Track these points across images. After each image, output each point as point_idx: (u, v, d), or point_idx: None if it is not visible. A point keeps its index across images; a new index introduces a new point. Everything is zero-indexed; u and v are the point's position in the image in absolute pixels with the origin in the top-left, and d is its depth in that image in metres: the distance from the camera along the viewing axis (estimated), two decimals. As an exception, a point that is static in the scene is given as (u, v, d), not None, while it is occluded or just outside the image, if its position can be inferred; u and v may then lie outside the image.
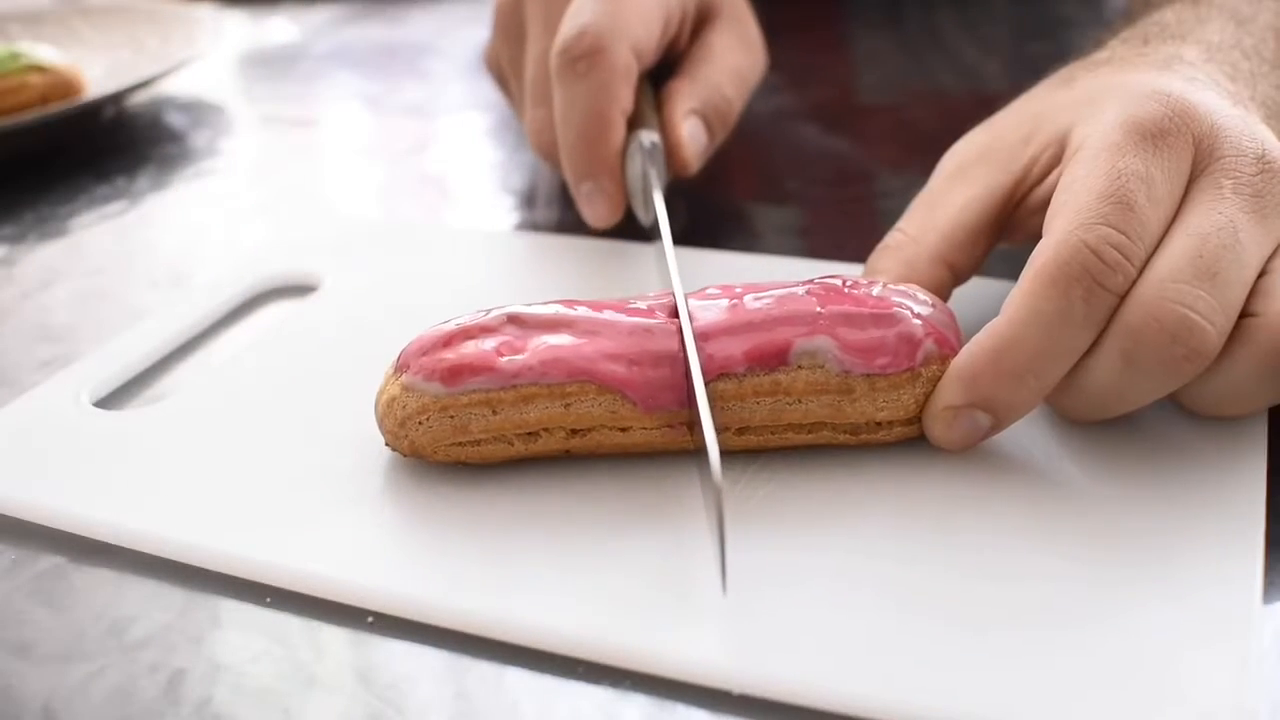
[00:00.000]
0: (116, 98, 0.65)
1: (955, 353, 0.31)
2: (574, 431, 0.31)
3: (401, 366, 0.32)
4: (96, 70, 0.70)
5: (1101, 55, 0.39)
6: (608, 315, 0.32)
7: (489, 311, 0.33)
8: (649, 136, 0.44)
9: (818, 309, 0.31)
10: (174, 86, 0.75)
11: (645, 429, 0.31)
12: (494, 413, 0.31)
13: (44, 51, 0.65)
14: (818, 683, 0.25)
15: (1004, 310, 0.30)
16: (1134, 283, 0.29)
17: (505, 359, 0.31)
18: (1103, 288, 0.29)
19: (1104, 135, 0.32)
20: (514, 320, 0.33)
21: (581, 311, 0.33)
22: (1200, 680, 0.24)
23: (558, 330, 0.32)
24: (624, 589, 0.28)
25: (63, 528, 0.32)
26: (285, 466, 0.33)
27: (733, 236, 0.49)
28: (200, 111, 0.72)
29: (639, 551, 0.29)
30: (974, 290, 0.38)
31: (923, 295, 0.33)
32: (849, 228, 0.50)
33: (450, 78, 0.77)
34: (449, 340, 0.32)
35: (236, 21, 0.92)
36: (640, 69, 0.45)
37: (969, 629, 0.26)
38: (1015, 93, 0.40)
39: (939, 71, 0.70)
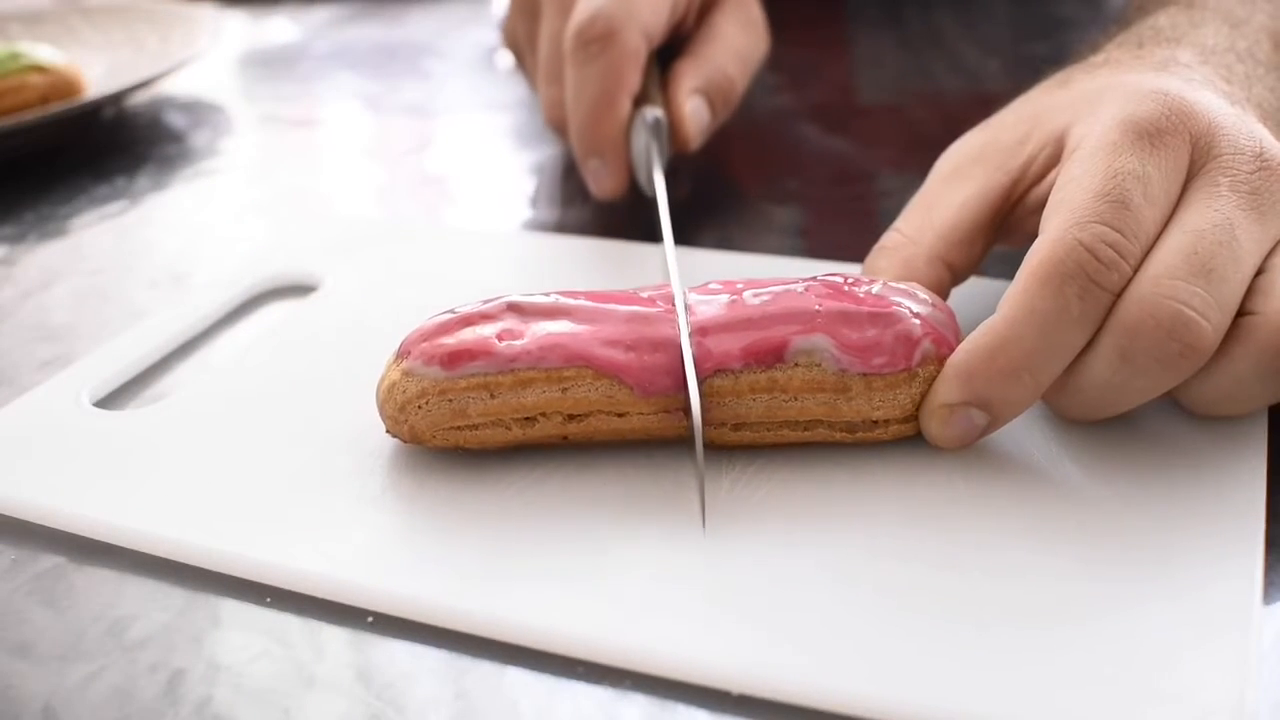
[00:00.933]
0: (116, 98, 0.65)
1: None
2: (571, 416, 0.32)
3: (403, 353, 0.33)
4: (96, 70, 0.70)
5: (1097, 59, 0.39)
6: (604, 302, 0.33)
7: (489, 301, 0.33)
8: (653, 112, 0.47)
9: (816, 307, 0.31)
10: (174, 86, 0.75)
11: (642, 414, 0.31)
12: (492, 396, 0.31)
13: (44, 51, 0.65)
14: (818, 683, 0.25)
15: (1000, 308, 0.30)
16: (1130, 280, 0.29)
17: (504, 344, 0.32)
18: (1098, 286, 0.29)
19: (1101, 134, 0.32)
20: (513, 308, 0.33)
21: (580, 300, 0.33)
22: (1200, 679, 0.24)
23: (556, 318, 0.32)
24: (624, 589, 0.28)
25: (63, 528, 0.32)
26: (285, 466, 0.33)
27: (733, 237, 0.49)
28: (200, 111, 0.72)
29: (639, 551, 0.29)
30: (973, 290, 0.38)
31: (923, 294, 0.33)
32: (849, 228, 0.50)
33: (450, 78, 0.77)
34: (449, 327, 0.33)
35: (236, 21, 0.92)
36: (648, 51, 0.47)
37: (969, 628, 0.26)
38: (1016, 93, 0.40)
39: (939, 72, 0.70)
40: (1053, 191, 0.32)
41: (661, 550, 0.29)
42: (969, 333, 0.31)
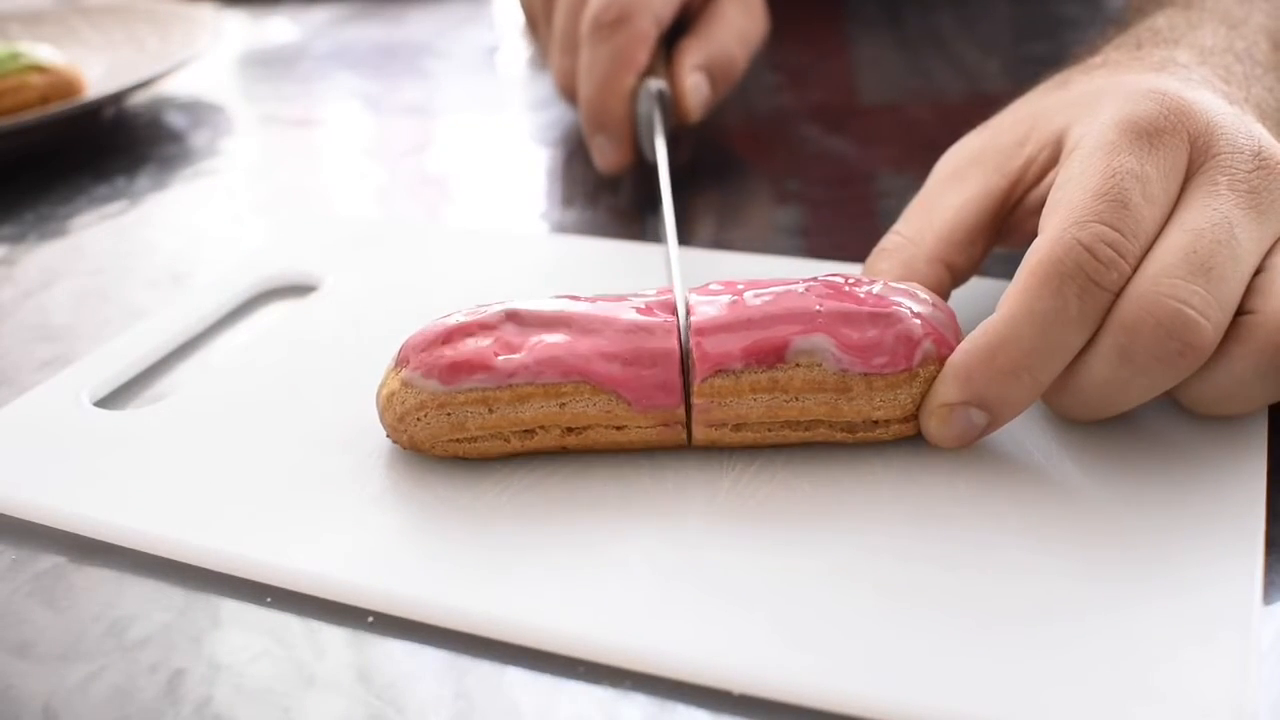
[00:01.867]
0: (116, 98, 0.65)
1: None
2: (570, 430, 0.32)
3: (402, 361, 0.33)
4: (96, 70, 0.70)
5: (1095, 60, 0.39)
6: (606, 312, 0.33)
7: (489, 307, 0.33)
8: (657, 84, 0.50)
9: (816, 307, 0.31)
10: (174, 86, 0.75)
11: (640, 428, 0.32)
12: (490, 411, 0.31)
13: (44, 51, 0.65)
14: (818, 683, 0.25)
15: (999, 308, 0.30)
16: (1129, 280, 0.29)
17: (502, 358, 0.31)
18: (1097, 285, 0.29)
19: (1099, 134, 0.32)
20: (512, 317, 0.33)
21: (581, 308, 0.33)
22: (1200, 679, 0.24)
23: (555, 328, 0.32)
24: (624, 589, 0.28)
25: (63, 528, 0.32)
26: (285, 466, 0.33)
27: (733, 237, 0.49)
28: (200, 111, 0.72)
29: (639, 551, 0.29)
30: (973, 290, 0.38)
31: (923, 294, 0.33)
32: (849, 228, 0.50)
33: (450, 78, 0.77)
34: (448, 336, 0.32)
35: (236, 21, 0.92)
36: (658, 34, 0.51)
37: (969, 628, 0.26)
38: (1015, 93, 0.40)
39: (939, 72, 0.70)
40: (1052, 191, 0.32)
41: (661, 550, 0.29)
42: (969, 333, 0.31)
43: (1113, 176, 0.30)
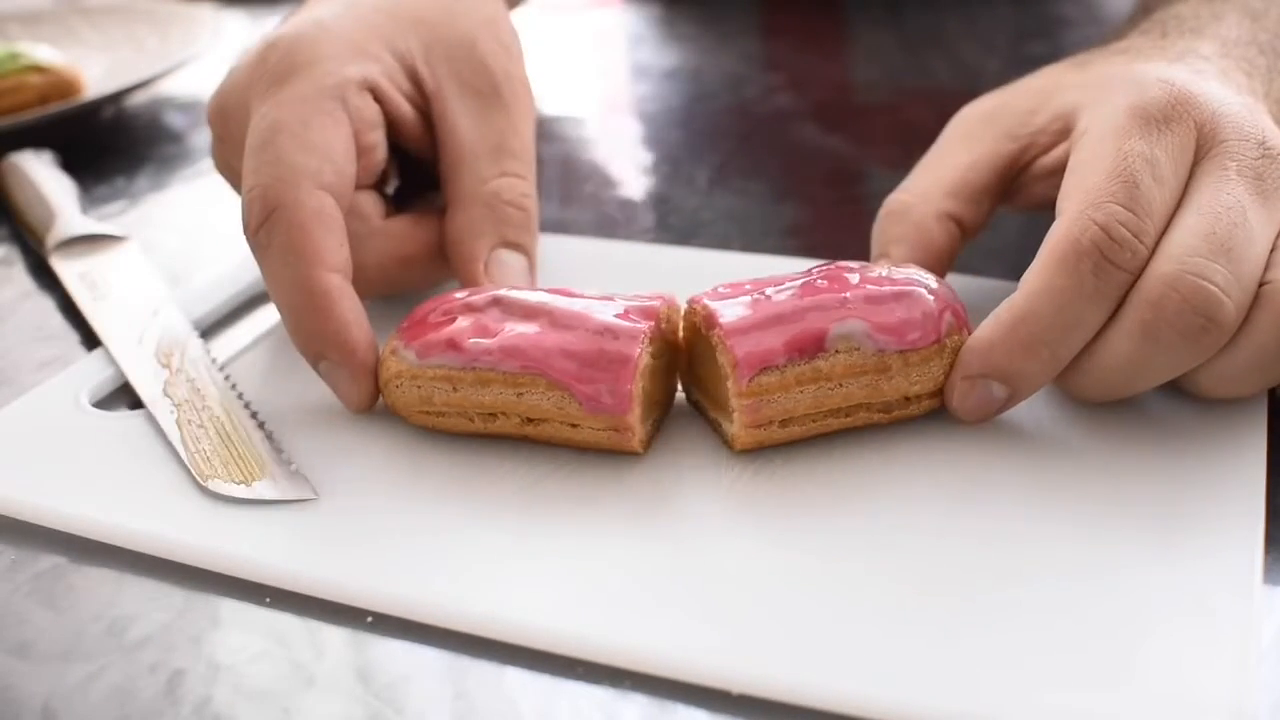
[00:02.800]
0: (116, 98, 0.65)
1: (967, 324, 0.33)
2: (529, 419, 0.32)
3: (399, 329, 0.34)
4: (96, 70, 0.70)
5: (1120, 44, 0.40)
6: (586, 309, 0.33)
7: (485, 290, 0.35)
8: None
9: (845, 294, 0.32)
10: (174, 86, 0.75)
11: (593, 429, 0.32)
12: (454, 390, 0.33)
13: (44, 51, 0.65)
14: (818, 683, 0.25)
15: (1020, 286, 0.31)
16: (1148, 260, 0.30)
17: (471, 340, 0.33)
18: (1112, 263, 0.30)
19: (1110, 120, 0.33)
20: (498, 302, 0.34)
21: (563, 303, 0.33)
22: (1199, 680, 0.24)
23: (533, 319, 0.33)
24: (624, 589, 0.28)
25: (63, 528, 0.32)
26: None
27: (732, 236, 0.49)
28: (200, 111, 0.72)
29: (638, 551, 0.29)
30: (973, 290, 0.38)
31: (924, 273, 0.34)
32: (848, 227, 0.50)
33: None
34: (439, 312, 0.34)
35: (236, 21, 0.92)
36: (343, 201, 0.36)
37: (968, 630, 0.26)
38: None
39: (938, 71, 0.70)
40: (1066, 176, 0.33)
41: (661, 550, 0.29)
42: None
43: (1124, 159, 0.31)
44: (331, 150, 0.36)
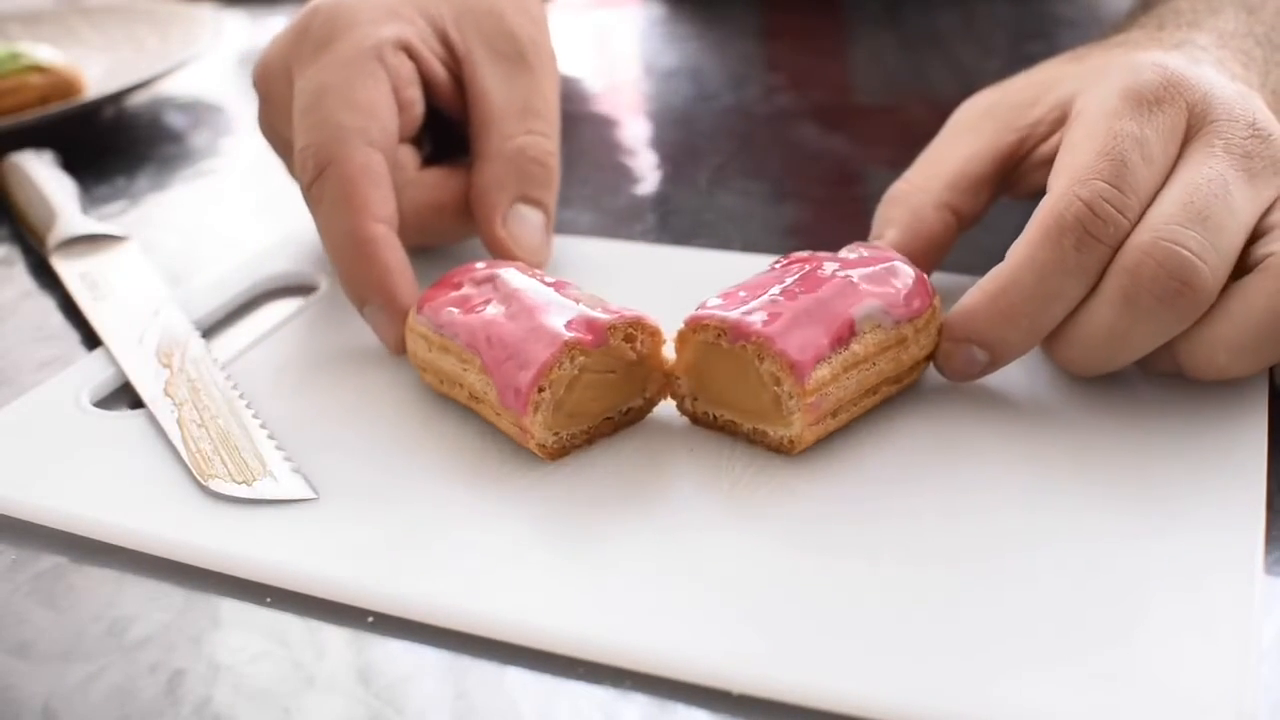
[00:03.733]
0: (116, 98, 0.65)
1: (934, 292, 0.34)
2: (472, 395, 0.33)
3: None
4: (96, 70, 0.70)
5: (1117, 39, 0.41)
6: (548, 305, 0.33)
7: (494, 265, 0.36)
8: None
9: (851, 277, 0.33)
10: (174, 86, 0.75)
11: (508, 421, 0.32)
12: (428, 349, 0.35)
13: (44, 51, 0.65)
14: (818, 683, 0.25)
15: (1006, 257, 0.32)
16: (1130, 232, 0.31)
17: (448, 309, 0.34)
18: (1094, 238, 0.31)
19: (1102, 101, 0.33)
20: (492, 280, 0.35)
21: (537, 295, 0.34)
22: (1200, 680, 0.24)
23: (506, 302, 0.34)
24: (624, 589, 0.28)
25: (63, 528, 0.32)
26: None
27: (732, 237, 0.49)
28: (200, 111, 0.72)
29: (639, 551, 0.29)
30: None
31: (881, 247, 0.36)
32: (848, 227, 0.50)
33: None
34: (456, 276, 0.36)
35: (236, 21, 0.92)
36: (383, 155, 0.39)
37: (968, 632, 0.26)
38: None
39: (937, 72, 0.70)
40: (1058, 154, 0.34)
41: (661, 550, 0.29)
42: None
43: (1114, 139, 0.32)
44: (376, 108, 0.39)
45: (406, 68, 0.41)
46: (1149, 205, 0.32)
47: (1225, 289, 0.31)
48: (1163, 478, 0.30)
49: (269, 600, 0.29)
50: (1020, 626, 0.26)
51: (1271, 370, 0.33)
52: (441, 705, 0.26)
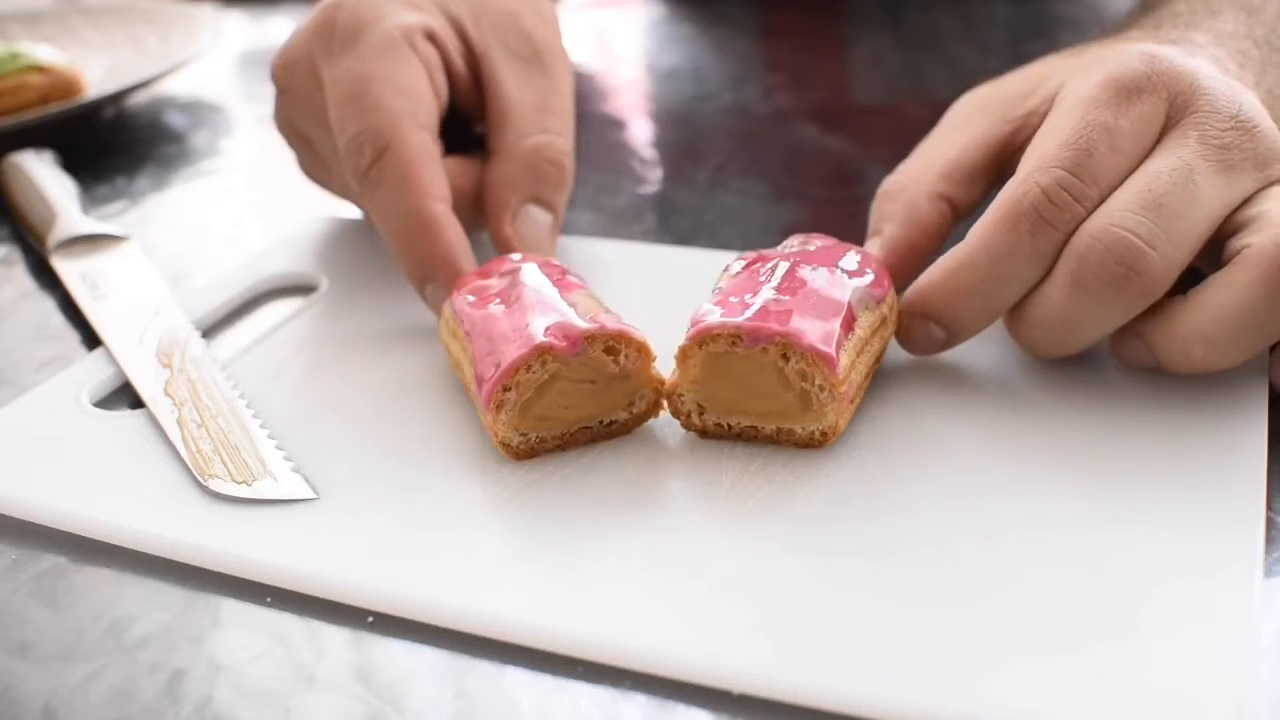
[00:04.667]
0: (116, 98, 0.65)
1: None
2: (468, 385, 0.34)
3: None
4: (96, 70, 0.70)
5: (1116, 37, 0.41)
6: (534, 306, 0.33)
7: (524, 260, 0.37)
8: None
9: (830, 268, 0.33)
10: (174, 86, 0.75)
11: (481, 415, 0.33)
12: (448, 333, 0.36)
13: (44, 51, 0.65)
14: (818, 683, 0.25)
15: (965, 239, 0.34)
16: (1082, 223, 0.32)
17: (468, 296, 0.35)
18: (1048, 223, 0.32)
19: (1082, 89, 0.34)
20: (514, 274, 0.35)
21: (541, 294, 0.34)
22: (1200, 680, 0.24)
23: (513, 300, 0.34)
24: (624, 588, 0.28)
25: (63, 528, 0.32)
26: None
27: (733, 237, 0.49)
28: (200, 111, 0.72)
29: (639, 551, 0.29)
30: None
31: (824, 237, 0.37)
32: (847, 227, 0.50)
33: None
34: (490, 267, 0.37)
35: (236, 21, 0.92)
36: (433, 137, 0.40)
37: (968, 631, 0.26)
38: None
39: (936, 72, 0.70)
40: (1032, 140, 0.34)
41: (661, 550, 0.29)
42: None
43: (1083, 128, 0.33)
44: (420, 93, 0.40)
45: (434, 55, 0.42)
46: (1110, 193, 0.32)
47: (1204, 281, 0.32)
48: (1163, 478, 0.30)
49: (269, 600, 0.29)
50: (1021, 627, 0.26)
51: (1271, 383, 0.33)
52: (441, 705, 0.26)
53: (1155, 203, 0.31)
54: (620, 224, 0.51)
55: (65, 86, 0.64)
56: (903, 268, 0.37)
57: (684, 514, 0.30)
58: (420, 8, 0.43)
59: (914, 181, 0.38)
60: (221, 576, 0.30)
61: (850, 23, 0.81)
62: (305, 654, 0.27)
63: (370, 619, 0.28)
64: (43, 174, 0.54)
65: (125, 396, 0.38)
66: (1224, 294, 0.31)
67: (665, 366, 0.34)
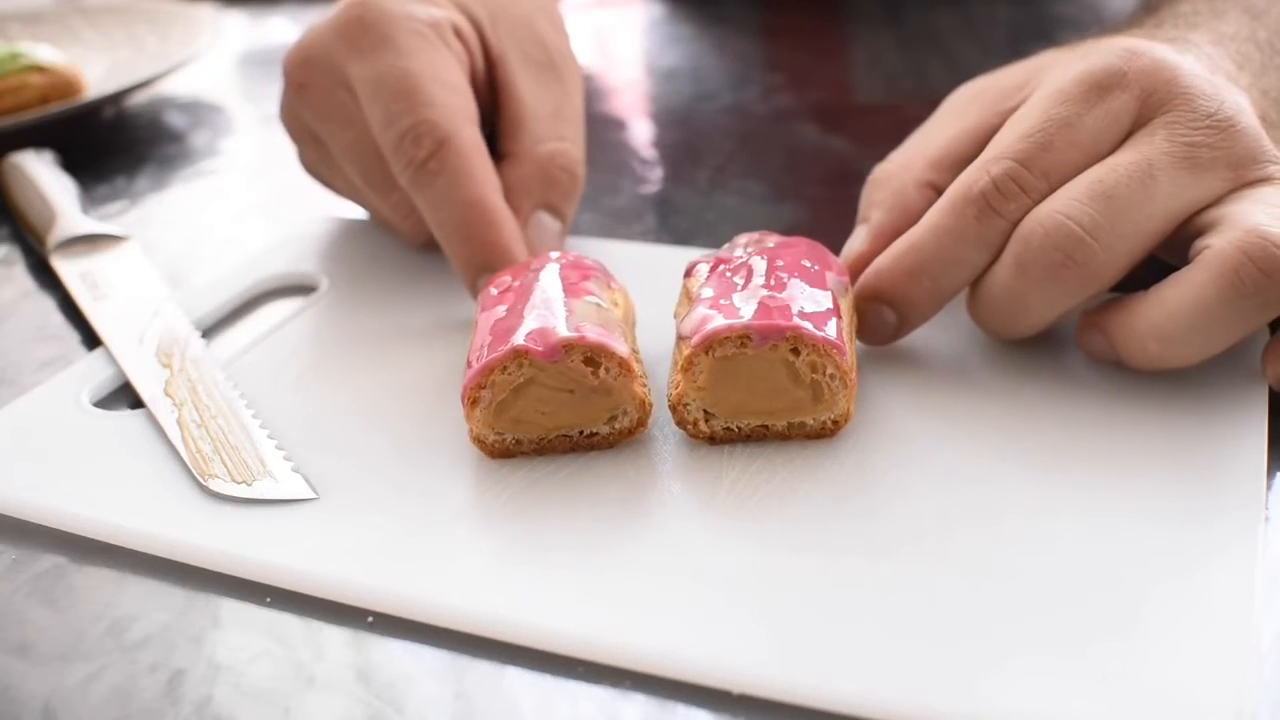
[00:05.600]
0: (116, 98, 0.65)
1: None
2: None
3: None
4: (96, 70, 0.70)
5: (1114, 34, 0.41)
6: (529, 309, 0.33)
7: (544, 258, 0.37)
8: None
9: (805, 262, 0.34)
10: (174, 86, 0.75)
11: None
12: (474, 328, 0.35)
13: (44, 51, 0.65)
14: (817, 683, 0.25)
15: (918, 222, 0.35)
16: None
17: (491, 290, 0.36)
18: (994, 211, 0.33)
19: (1054, 82, 0.35)
20: (534, 271, 0.36)
21: (543, 296, 0.34)
22: (1200, 680, 0.24)
23: (520, 296, 0.34)
24: (624, 589, 0.28)
25: (63, 528, 0.32)
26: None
27: (731, 237, 0.49)
28: (200, 111, 0.72)
29: (639, 551, 0.29)
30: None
31: (771, 233, 0.37)
32: (848, 227, 0.50)
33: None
34: (531, 261, 0.37)
35: (236, 21, 0.92)
36: (478, 130, 0.41)
37: (968, 631, 0.26)
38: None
39: (937, 71, 0.70)
40: (1001, 128, 0.35)
41: (661, 550, 0.29)
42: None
43: (1045, 121, 0.33)
44: (465, 88, 0.41)
45: (460, 50, 0.43)
46: (1061, 185, 0.33)
47: (1166, 279, 0.32)
48: (1163, 478, 0.30)
49: (269, 600, 0.29)
50: (1021, 628, 0.26)
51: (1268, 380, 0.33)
52: (441, 705, 0.26)
53: (1105, 194, 0.32)
54: (620, 224, 0.51)
55: (65, 86, 0.64)
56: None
57: (684, 514, 0.30)
58: (443, 6, 0.43)
59: (902, 169, 0.39)
60: (221, 576, 0.30)
61: (850, 23, 0.81)
62: (305, 654, 0.27)
63: (370, 619, 0.28)
64: (43, 174, 0.54)
65: (125, 396, 0.38)
66: (1181, 292, 0.31)
67: (664, 366, 0.34)
